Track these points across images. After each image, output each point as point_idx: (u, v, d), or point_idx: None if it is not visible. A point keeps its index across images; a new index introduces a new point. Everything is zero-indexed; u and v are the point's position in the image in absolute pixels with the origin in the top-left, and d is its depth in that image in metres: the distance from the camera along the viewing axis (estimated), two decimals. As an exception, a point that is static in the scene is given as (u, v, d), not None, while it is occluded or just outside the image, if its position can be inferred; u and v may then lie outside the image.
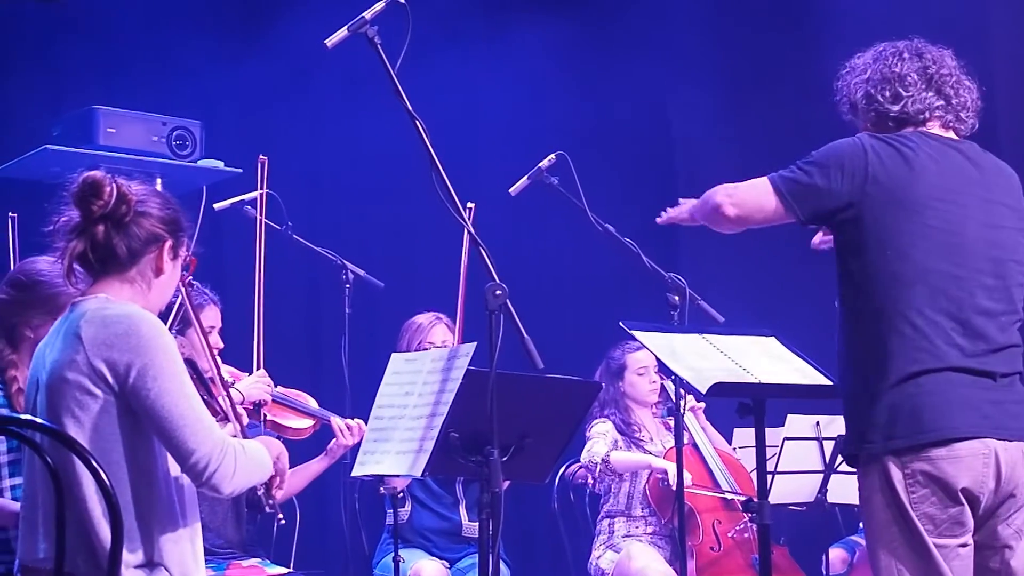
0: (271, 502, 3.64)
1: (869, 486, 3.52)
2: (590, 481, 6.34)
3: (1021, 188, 3.77)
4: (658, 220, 4.17)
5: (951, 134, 3.73)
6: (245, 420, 4.08)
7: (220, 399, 3.93)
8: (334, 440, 5.32)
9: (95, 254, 3.31)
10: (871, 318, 3.53)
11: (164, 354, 3.20)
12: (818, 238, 4.02)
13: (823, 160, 3.61)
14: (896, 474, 3.45)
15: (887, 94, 3.71)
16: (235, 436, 3.85)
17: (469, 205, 5.32)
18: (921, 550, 3.44)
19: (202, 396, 3.31)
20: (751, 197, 3.66)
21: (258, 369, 5.04)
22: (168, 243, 3.38)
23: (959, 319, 3.50)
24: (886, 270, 3.52)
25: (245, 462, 3.26)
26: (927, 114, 3.70)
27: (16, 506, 3.78)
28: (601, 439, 6.17)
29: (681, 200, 4.04)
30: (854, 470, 3.62)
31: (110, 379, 3.17)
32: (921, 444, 3.43)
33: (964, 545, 3.48)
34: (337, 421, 5.28)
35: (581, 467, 6.28)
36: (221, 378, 4.19)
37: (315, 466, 5.41)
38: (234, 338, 5.29)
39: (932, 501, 3.44)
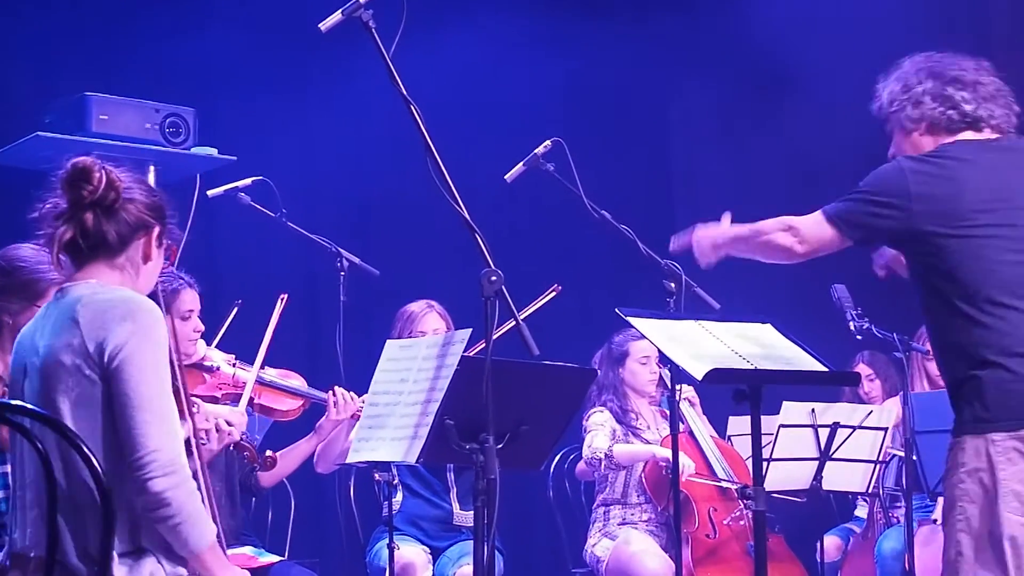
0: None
1: (954, 460, 3.70)
2: (595, 476, 6.32)
3: None
4: (671, 248, 4.36)
5: (989, 134, 3.88)
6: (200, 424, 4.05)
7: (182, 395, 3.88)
8: (324, 417, 5.31)
9: (85, 240, 3.29)
10: (956, 314, 3.71)
11: (156, 346, 3.19)
12: (883, 272, 4.27)
13: (870, 189, 3.83)
14: (991, 449, 3.62)
15: (957, 97, 3.87)
16: (186, 436, 3.79)
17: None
18: (991, 525, 3.60)
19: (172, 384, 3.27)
20: (815, 233, 3.88)
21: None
22: (156, 230, 3.40)
23: None
24: (960, 274, 3.71)
25: (190, 500, 3.18)
26: (983, 122, 3.87)
27: None
28: (600, 431, 6.16)
29: (699, 230, 4.17)
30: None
31: (101, 360, 3.15)
32: (1015, 424, 3.62)
33: None
34: (338, 393, 5.26)
35: (586, 463, 6.25)
36: (182, 370, 4.11)
37: (304, 446, 5.39)
38: (223, 324, 5.30)
39: (1021, 479, 3.60)
